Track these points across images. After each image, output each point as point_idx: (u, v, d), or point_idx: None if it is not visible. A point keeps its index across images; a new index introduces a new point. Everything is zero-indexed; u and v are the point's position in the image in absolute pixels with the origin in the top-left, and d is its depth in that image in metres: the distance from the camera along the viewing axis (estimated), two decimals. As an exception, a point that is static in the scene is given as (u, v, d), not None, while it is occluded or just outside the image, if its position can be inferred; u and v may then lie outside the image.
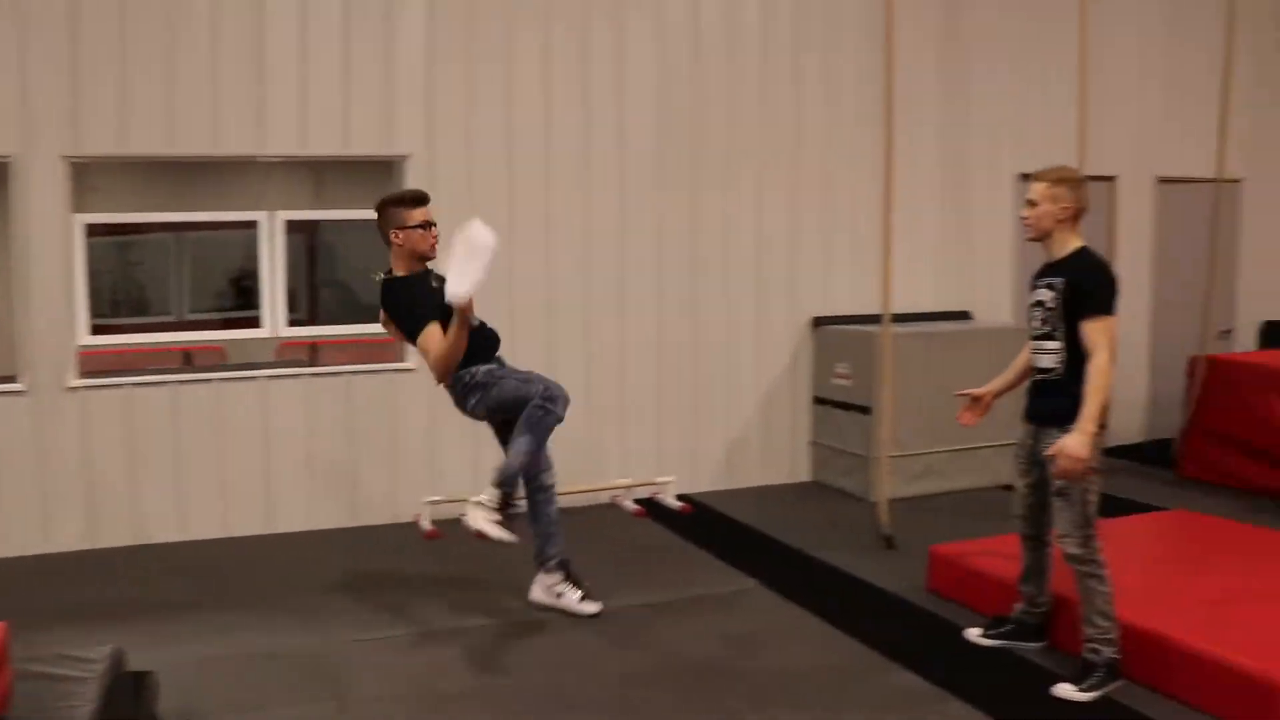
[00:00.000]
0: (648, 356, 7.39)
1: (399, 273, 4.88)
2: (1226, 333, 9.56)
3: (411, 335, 4.80)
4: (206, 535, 6.48)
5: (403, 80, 6.69)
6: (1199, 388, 7.85)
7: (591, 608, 5.03)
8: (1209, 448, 7.78)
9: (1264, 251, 9.71)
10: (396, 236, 4.79)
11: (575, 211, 7.14)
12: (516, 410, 4.79)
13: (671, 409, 7.48)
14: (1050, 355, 4.17)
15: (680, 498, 7.26)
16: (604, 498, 7.22)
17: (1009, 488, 4.48)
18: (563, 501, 6.99)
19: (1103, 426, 4.05)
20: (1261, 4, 9.32)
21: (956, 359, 7.31)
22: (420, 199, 4.84)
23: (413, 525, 6.71)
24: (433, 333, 4.69)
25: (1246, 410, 7.46)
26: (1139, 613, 4.22)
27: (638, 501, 7.16)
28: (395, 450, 6.85)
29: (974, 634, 4.63)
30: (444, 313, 4.63)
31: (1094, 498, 4.04)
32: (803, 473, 7.92)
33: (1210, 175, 8.14)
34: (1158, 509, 6.71)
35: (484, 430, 6.91)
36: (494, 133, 6.92)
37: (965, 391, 4.70)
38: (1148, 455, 8.67)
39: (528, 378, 4.86)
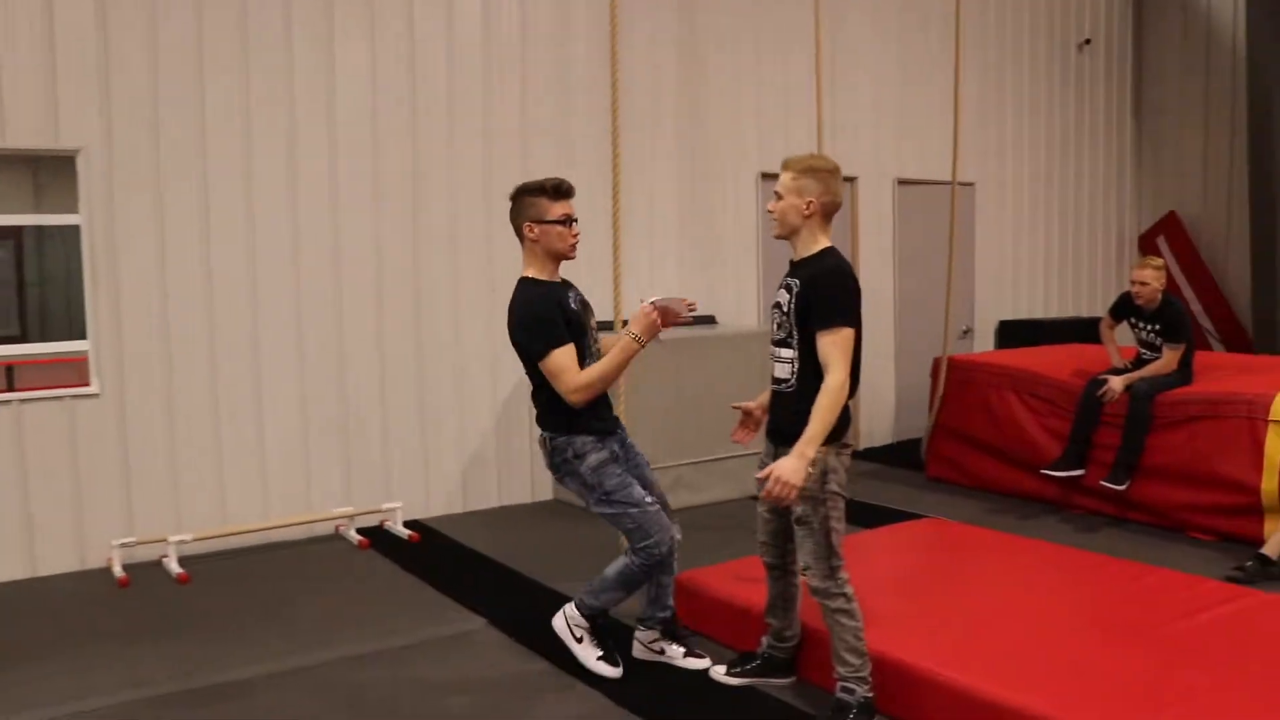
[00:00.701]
0: (369, 373, 6.74)
1: (530, 274, 4.22)
2: (966, 332, 9.75)
3: (536, 354, 4.08)
4: None
5: (70, 63, 5.79)
6: (942, 388, 7.87)
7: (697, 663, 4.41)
8: (953, 448, 7.80)
9: (996, 253, 10.00)
10: (531, 230, 4.17)
11: (282, 217, 6.43)
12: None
13: (398, 428, 6.86)
14: (785, 364, 3.77)
15: (409, 524, 6.67)
16: (327, 528, 6.57)
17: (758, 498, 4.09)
18: (281, 535, 6.40)
19: (846, 446, 3.73)
20: (987, 28, 9.63)
21: (700, 365, 7.10)
22: (563, 190, 4.19)
23: (104, 572, 5.87)
24: (568, 358, 4.03)
25: (985, 410, 7.50)
26: (890, 641, 3.94)
27: (362, 531, 6.52)
28: (80, 488, 5.95)
29: (719, 673, 4.25)
30: (576, 333, 4.12)
31: (838, 525, 3.68)
32: (544, 491, 7.44)
33: (945, 179, 8.20)
34: (908, 514, 6.64)
35: (184, 461, 6.17)
36: (185, 130, 6.11)
37: (738, 405, 4.25)
38: (897, 457, 8.71)
39: (647, 519, 4.18)
